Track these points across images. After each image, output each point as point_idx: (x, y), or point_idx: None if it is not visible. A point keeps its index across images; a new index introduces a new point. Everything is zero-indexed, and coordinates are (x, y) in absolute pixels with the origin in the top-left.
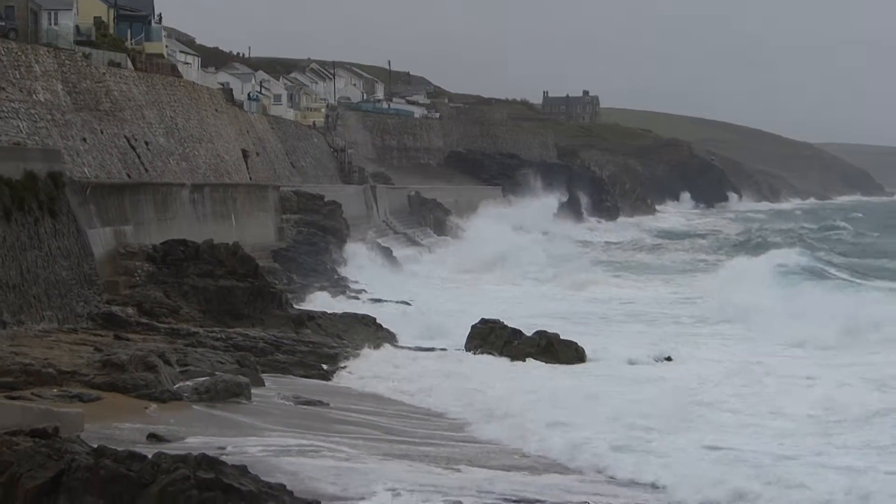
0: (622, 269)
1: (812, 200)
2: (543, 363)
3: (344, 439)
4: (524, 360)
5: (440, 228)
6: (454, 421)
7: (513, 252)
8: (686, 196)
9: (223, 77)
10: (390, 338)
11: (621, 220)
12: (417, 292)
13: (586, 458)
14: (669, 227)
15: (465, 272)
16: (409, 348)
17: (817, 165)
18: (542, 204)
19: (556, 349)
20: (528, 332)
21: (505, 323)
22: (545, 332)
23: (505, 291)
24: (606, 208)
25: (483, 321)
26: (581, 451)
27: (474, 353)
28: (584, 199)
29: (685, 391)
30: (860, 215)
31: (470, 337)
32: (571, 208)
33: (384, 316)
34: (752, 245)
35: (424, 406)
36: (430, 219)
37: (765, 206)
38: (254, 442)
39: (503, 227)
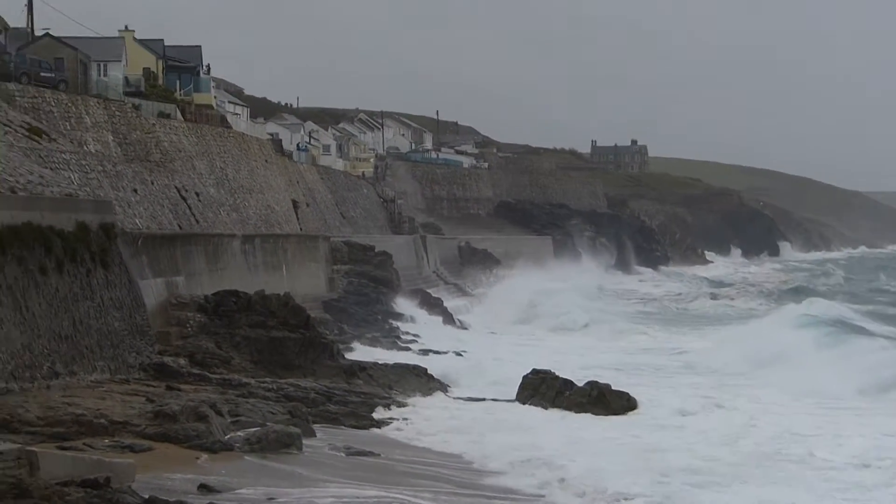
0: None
1: (863, 249)
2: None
3: (400, 491)
4: (575, 412)
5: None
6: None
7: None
8: (735, 247)
9: (272, 127)
10: (442, 388)
11: (671, 268)
12: (468, 342)
13: None
14: (719, 276)
15: (512, 323)
16: (462, 399)
17: (869, 214)
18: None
19: (607, 399)
20: (580, 383)
21: (556, 373)
22: (596, 382)
23: (557, 341)
24: (656, 258)
25: (534, 371)
26: None
27: (523, 404)
28: (631, 249)
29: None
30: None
31: (521, 387)
32: (621, 260)
33: (435, 366)
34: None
35: (478, 457)
36: (478, 269)
37: (814, 255)
38: (307, 493)
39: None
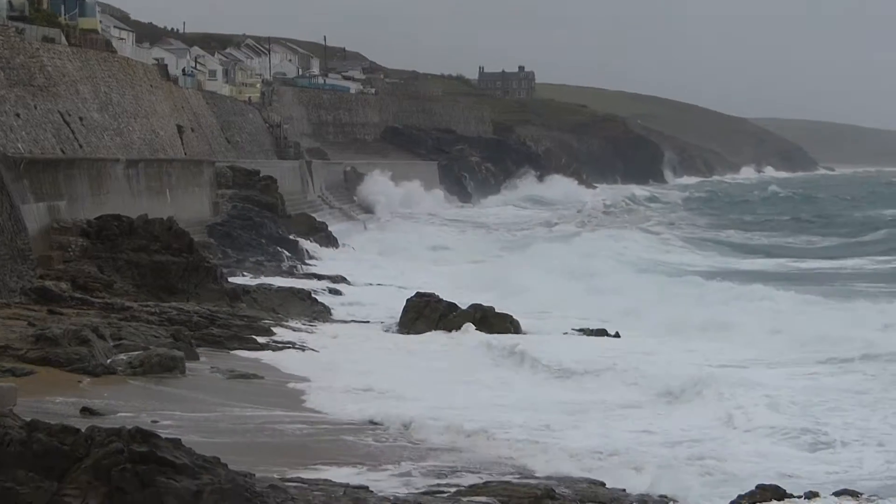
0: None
1: (745, 175)
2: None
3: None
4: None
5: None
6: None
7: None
8: (619, 173)
9: (158, 53)
10: (325, 311)
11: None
12: (353, 266)
13: None
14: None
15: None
16: (344, 321)
17: (752, 140)
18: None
19: (491, 322)
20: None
21: (440, 297)
22: (480, 305)
23: (438, 267)
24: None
25: (418, 294)
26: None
27: (406, 328)
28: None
29: None
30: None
31: (405, 310)
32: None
33: (319, 290)
34: None
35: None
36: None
37: (696, 180)
38: (190, 415)
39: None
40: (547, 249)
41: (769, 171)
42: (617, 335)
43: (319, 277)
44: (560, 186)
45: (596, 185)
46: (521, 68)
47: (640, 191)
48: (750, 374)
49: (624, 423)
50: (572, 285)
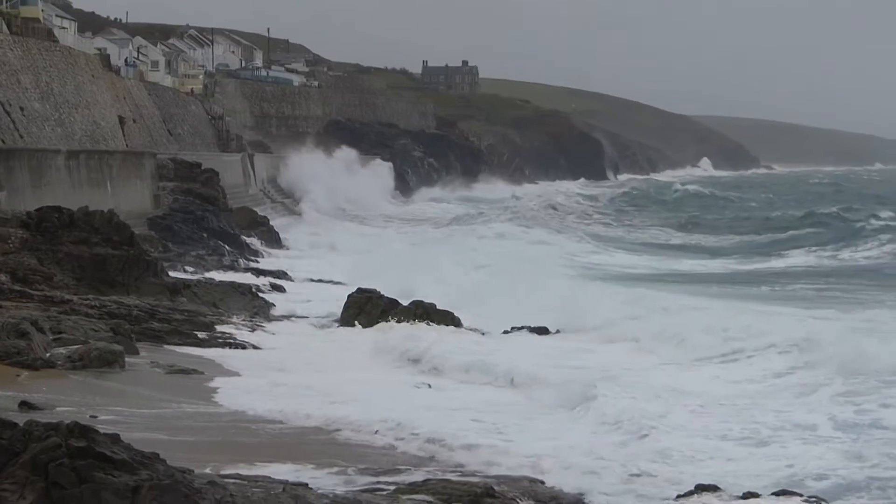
0: None
1: (687, 172)
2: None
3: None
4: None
5: None
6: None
7: None
8: (563, 169)
9: (100, 42)
10: (266, 306)
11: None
12: (293, 261)
13: None
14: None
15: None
16: (286, 317)
17: (694, 138)
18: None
19: (433, 318)
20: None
21: (381, 293)
22: (422, 301)
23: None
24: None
25: (360, 290)
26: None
27: (347, 324)
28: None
29: None
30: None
31: (346, 306)
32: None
33: (262, 286)
34: None
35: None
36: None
37: (637, 177)
38: (129, 410)
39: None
40: (459, 244)
41: (709, 169)
42: (558, 332)
43: (261, 273)
44: (495, 183)
45: (537, 181)
46: (465, 63)
47: (576, 187)
48: (673, 374)
49: (558, 423)
50: (465, 280)
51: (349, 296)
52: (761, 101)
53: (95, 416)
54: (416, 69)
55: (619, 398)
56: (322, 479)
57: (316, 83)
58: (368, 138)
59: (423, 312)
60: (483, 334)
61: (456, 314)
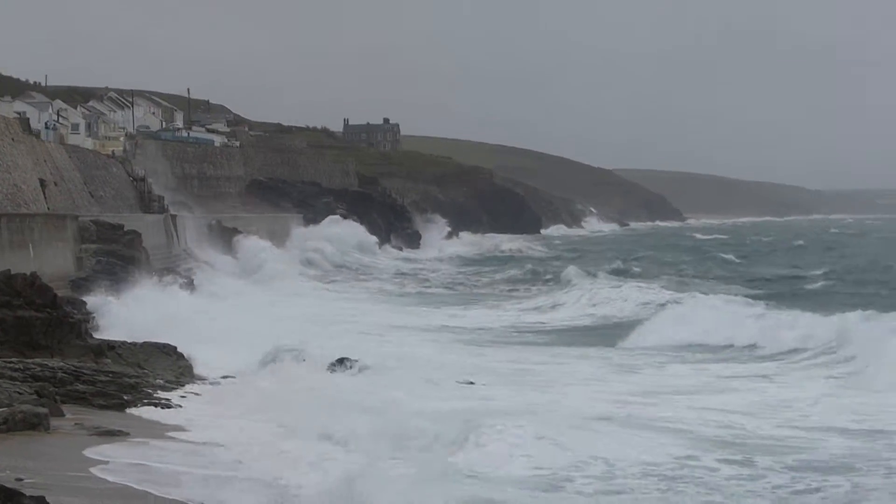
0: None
1: (614, 227)
2: None
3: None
4: None
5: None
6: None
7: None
8: (485, 224)
9: (20, 106)
10: (189, 366)
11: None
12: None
13: None
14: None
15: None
16: (207, 380)
17: (619, 191)
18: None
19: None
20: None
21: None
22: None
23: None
24: (408, 235)
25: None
26: None
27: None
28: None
29: None
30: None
31: (262, 361)
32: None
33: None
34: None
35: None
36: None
37: (573, 232)
38: (55, 473)
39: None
40: None
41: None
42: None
43: None
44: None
45: (461, 234)
46: (386, 120)
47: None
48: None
49: None
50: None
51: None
52: (687, 155)
53: (21, 479)
54: (337, 128)
55: None
56: None
57: (237, 143)
58: (291, 197)
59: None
60: None
61: None
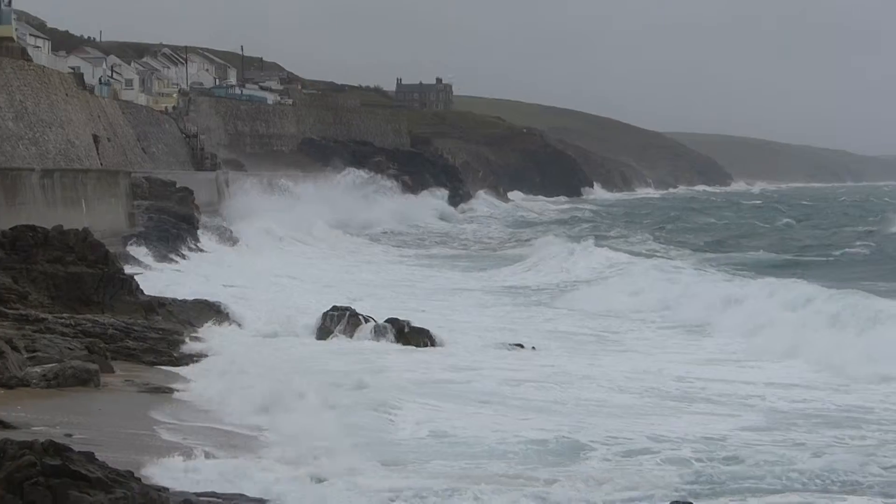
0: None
1: (668, 190)
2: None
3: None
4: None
5: None
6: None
7: None
8: (537, 186)
9: (74, 61)
10: (238, 323)
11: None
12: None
13: None
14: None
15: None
16: (260, 336)
17: (667, 154)
18: None
19: (407, 336)
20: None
21: (356, 310)
22: (397, 318)
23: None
24: (460, 196)
25: (334, 308)
26: None
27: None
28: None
29: None
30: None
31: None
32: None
33: (235, 303)
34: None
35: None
36: None
37: (619, 196)
38: (104, 428)
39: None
40: None
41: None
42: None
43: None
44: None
45: (511, 199)
46: (439, 80)
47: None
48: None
49: None
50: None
51: (324, 314)
52: (736, 118)
53: (70, 435)
54: (390, 87)
55: None
56: None
57: (290, 101)
58: (343, 156)
59: (398, 330)
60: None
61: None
